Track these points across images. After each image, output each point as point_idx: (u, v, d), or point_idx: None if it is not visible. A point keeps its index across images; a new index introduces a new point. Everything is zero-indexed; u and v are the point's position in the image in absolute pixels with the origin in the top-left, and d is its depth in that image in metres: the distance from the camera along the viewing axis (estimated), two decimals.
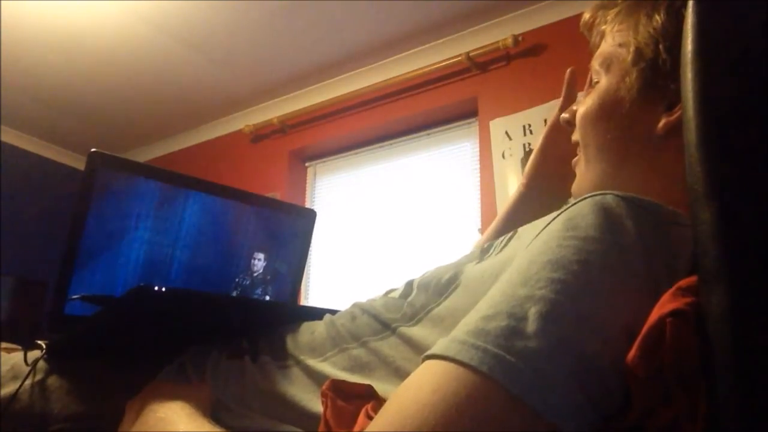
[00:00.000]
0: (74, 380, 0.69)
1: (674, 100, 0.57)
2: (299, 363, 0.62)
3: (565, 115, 0.72)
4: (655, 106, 0.59)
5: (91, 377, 0.70)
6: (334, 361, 0.60)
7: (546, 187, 0.83)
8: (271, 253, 0.92)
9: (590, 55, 0.68)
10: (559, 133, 0.80)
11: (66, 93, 3.12)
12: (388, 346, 0.57)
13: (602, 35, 0.66)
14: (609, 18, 0.65)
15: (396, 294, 0.63)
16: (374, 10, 2.39)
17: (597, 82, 0.64)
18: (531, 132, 2.21)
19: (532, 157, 0.85)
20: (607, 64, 0.63)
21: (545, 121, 2.15)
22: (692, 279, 0.41)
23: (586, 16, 0.69)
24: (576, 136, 0.67)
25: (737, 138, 0.40)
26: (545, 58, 2.28)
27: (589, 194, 0.48)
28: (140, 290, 0.64)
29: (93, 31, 2.59)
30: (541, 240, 0.46)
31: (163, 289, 0.66)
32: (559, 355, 0.37)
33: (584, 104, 0.65)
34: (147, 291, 0.65)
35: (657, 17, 0.58)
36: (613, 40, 0.63)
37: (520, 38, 2.30)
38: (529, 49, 2.33)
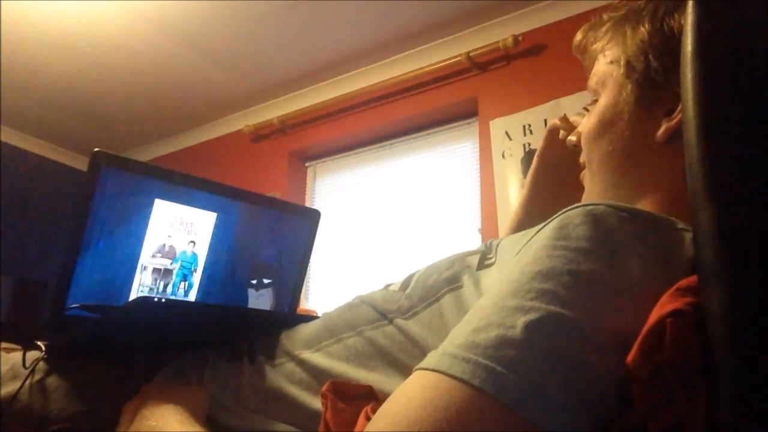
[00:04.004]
0: (73, 381, 0.69)
1: (673, 105, 0.58)
2: (293, 358, 0.62)
3: (571, 138, 0.74)
4: (653, 113, 0.60)
5: (90, 378, 0.70)
6: (329, 351, 0.60)
7: (547, 195, 0.84)
8: (274, 254, 0.92)
9: (586, 76, 0.69)
10: (556, 137, 0.82)
11: (66, 93, 3.12)
12: (384, 336, 0.57)
13: (595, 55, 0.67)
14: (599, 36, 0.67)
15: (396, 286, 0.63)
16: (374, 10, 2.39)
17: (596, 101, 0.66)
18: (531, 132, 2.21)
19: (533, 163, 0.86)
20: (603, 82, 0.64)
21: (545, 121, 2.15)
22: (692, 279, 0.41)
23: (578, 38, 0.71)
24: (583, 157, 0.68)
25: (737, 138, 0.40)
26: (545, 58, 2.28)
27: (581, 204, 0.48)
28: (140, 301, 0.65)
29: (93, 31, 2.59)
30: (532, 249, 0.46)
31: (163, 300, 0.67)
32: (550, 365, 0.37)
33: (586, 124, 0.66)
34: (147, 302, 0.66)
35: (642, 29, 0.60)
36: (605, 58, 0.65)
37: (520, 38, 2.30)
38: (529, 49, 2.33)
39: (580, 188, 0.70)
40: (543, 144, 0.84)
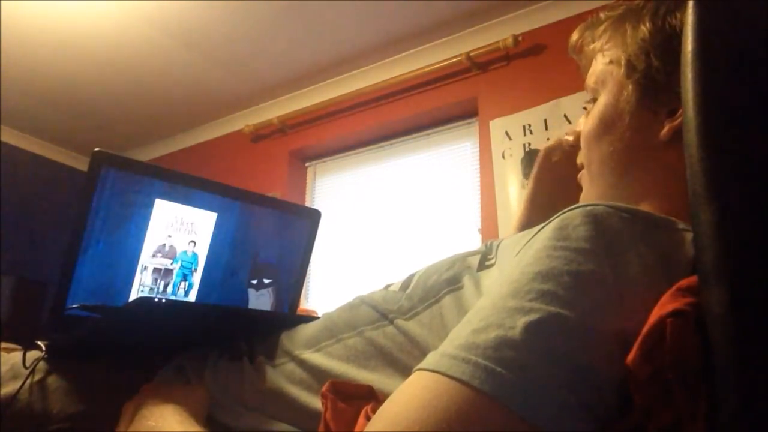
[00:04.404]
0: (73, 380, 0.69)
1: (675, 104, 0.57)
2: (294, 358, 0.62)
3: (568, 137, 0.73)
4: (656, 113, 0.59)
5: (91, 377, 0.70)
6: (329, 351, 0.60)
7: (545, 214, 0.83)
8: (274, 254, 0.92)
9: (583, 76, 0.68)
10: (551, 159, 0.81)
11: (66, 93, 3.12)
12: (384, 336, 0.57)
13: (592, 55, 0.66)
14: (596, 36, 0.65)
15: (396, 287, 0.63)
16: (374, 10, 2.39)
17: (594, 100, 0.65)
18: (531, 132, 2.21)
19: (529, 185, 0.85)
20: (602, 81, 0.64)
21: (545, 121, 2.15)
22: (692, 279, 0.41)
23: (574, 38, 0.70)
24: (581, 158, 0.67)
25: (737, 138, 0.40)
26: (545, 58, 2.28)
27: (581, 204, 0.48)
28: (140, 302, 0.65)
29: (93, 31, 2.59)
30: (532, 249, 0.46)
31: (163, 301, 0.67)
32: (549, 366, 0.37)
33: (586, 124, 0.65)
34: (147, 303, 0.66)
35: (643, 28, 0.59)
36: (604, 58, 0.64)
37: (520, 38, 2.30)
38: (529, 49, 2.33)
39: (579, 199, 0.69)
40: (538, 166, 0.83)
